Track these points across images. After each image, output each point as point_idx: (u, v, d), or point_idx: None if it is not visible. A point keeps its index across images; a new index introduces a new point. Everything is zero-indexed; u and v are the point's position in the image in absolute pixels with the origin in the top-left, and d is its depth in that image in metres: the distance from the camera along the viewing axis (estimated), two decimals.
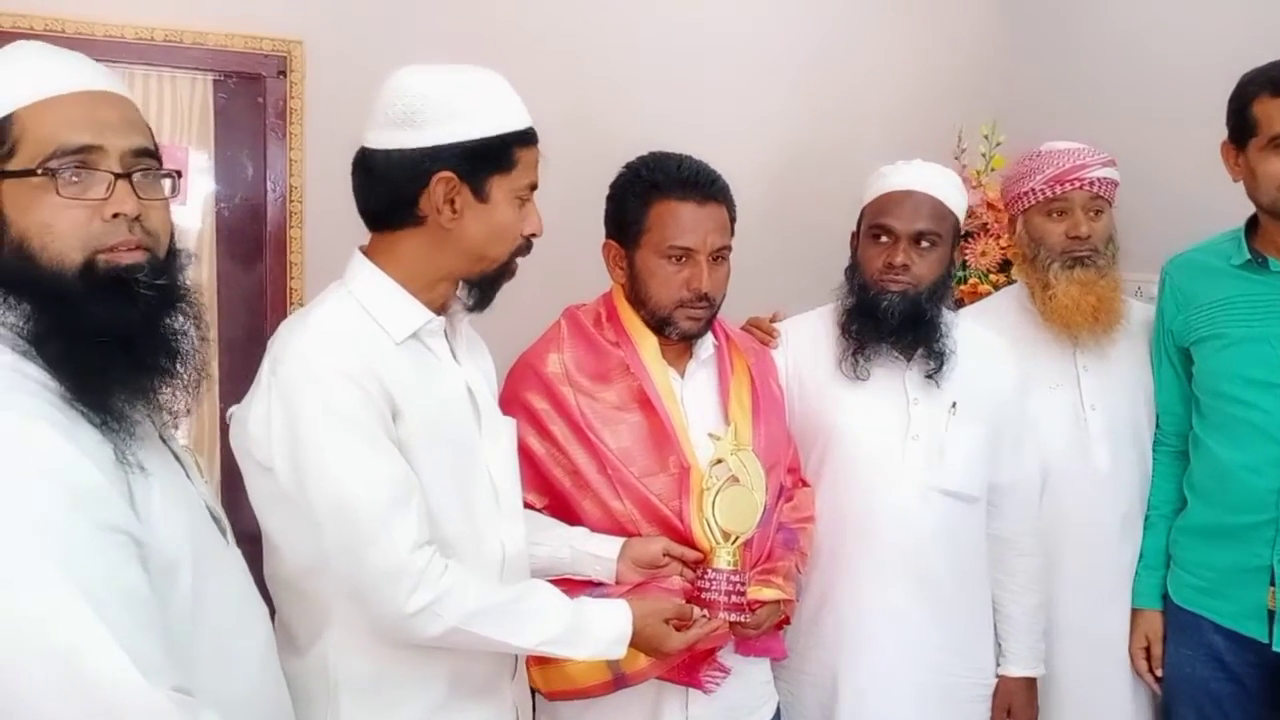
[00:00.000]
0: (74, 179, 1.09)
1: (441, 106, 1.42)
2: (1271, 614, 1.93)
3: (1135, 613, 2.17)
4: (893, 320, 1.93)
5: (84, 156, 1.10)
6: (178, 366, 1.16)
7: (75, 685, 0.98)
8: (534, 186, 1.50)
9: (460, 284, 1.53)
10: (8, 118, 1.09)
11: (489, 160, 1.44)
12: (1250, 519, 1.94)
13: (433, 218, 1.44)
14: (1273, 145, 1.90)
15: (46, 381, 1.07)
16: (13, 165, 1.09)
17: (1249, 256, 1.99)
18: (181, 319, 1.17)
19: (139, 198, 1.13)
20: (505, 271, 1.53)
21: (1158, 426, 2.20)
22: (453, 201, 1.44)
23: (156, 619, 1.05)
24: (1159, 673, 2.15)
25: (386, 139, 1.44)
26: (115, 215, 1.10)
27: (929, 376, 1.96)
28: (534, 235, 1.52)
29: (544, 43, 2.77)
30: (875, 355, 1.97)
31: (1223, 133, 2.02)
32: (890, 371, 1.98)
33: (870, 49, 3.16)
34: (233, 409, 1.47)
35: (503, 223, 1.47)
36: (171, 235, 1.20)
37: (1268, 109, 1.90)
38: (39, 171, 1.08)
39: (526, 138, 1.47)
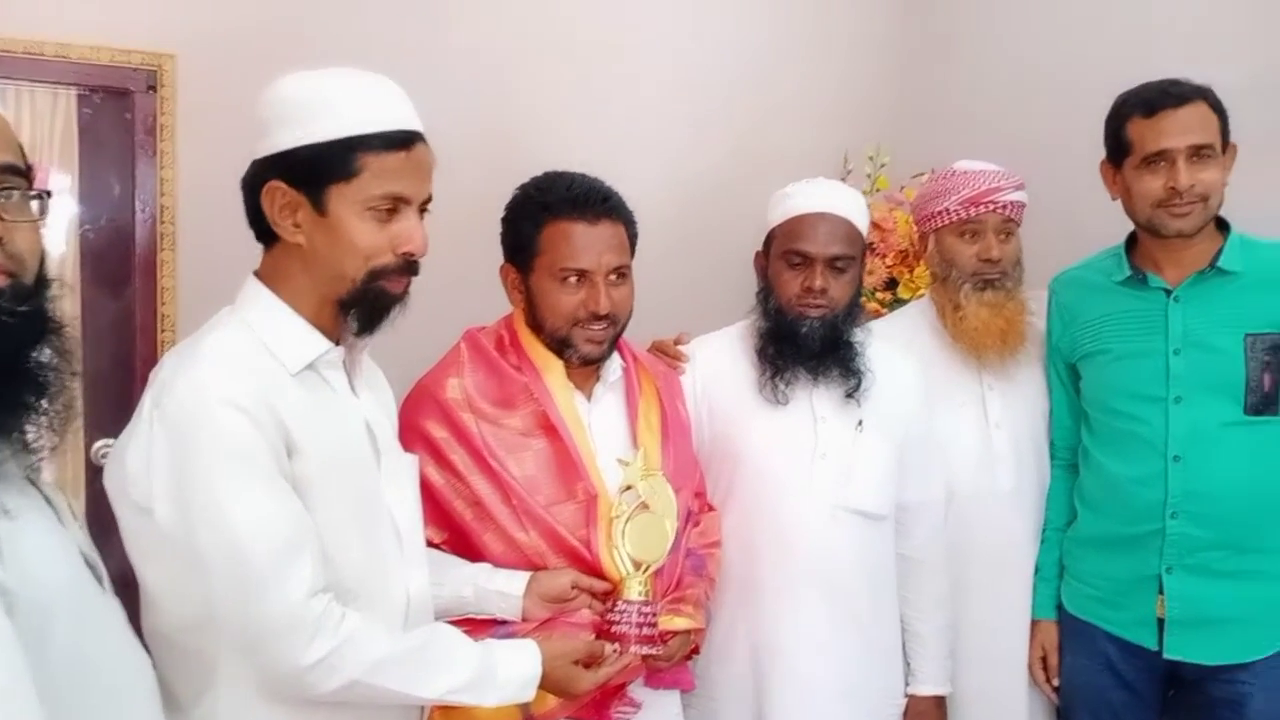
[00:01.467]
0: None
1: (280, 112, 1.34)
2: (1161, 622, 1.98)
3: (1032, 624, 2.21)
4: (814, 345, 1.93)
5: None
6: (43, 403, 1.07)
7: None
8: (397, 198, 1.36)
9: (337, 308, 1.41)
10: None
11: (323, 169, 1.33)
12: (1138, 530, 2.00)
13: (282, 233, 1.36)
14: (1145, 164, 1.97)
15: None
16: None
17: (1130, 273, 2.06)
18: (49, 352, 1.08)
19: (2, 219, 1.04)
20: (373, 294, 1.38)
21: (1051, 442, 2.25)
22: (296, 215, 1.35)
23: (25, 671, 0.96)
24: (1056, 682, 2.19)
25: (252, 149, 1.37)
26: None
27: (849, 395, 1.96)
28: (409, 254, 1.38)
29: (443, 62, 2.71)
30: (794, 379, 1.96)
31: (1100, 152, 2.09)
32: (799, 392, 1.98)
33: (762, 74, 3.21)
34: (100, 445, 1.35)
35: (349, 238, 1.34)
36: (41, 261, 1.11)
37: (1140, 130, 1.97)
38: None
39: (374, 143, 1.33)
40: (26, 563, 1.01)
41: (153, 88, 2.46)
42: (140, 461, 1.27)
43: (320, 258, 1.37)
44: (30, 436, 1.07)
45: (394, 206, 1.37)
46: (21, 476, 1.10)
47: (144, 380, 1.36)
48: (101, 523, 1.34)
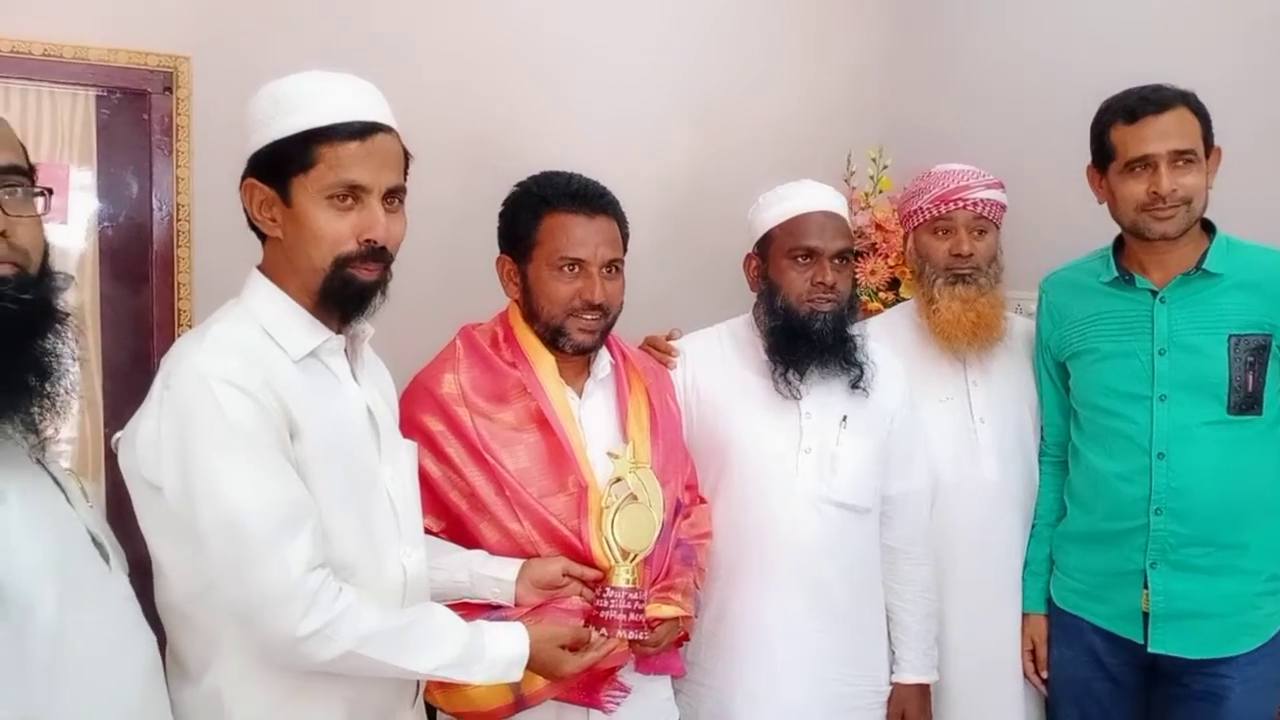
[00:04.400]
0: None
1: (254, 115, 1.43)
2: (1145, 616, 2.02)
3: (1023, 617, 2.24)
4: (827, 339, 1.98)
5: None
6: (46, 387, 1.13)
7: None
8: (353, 186, 1.40)
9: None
10: None
11: (285, 162, 1.40)
12: (1124, 525, 2.03)
13: (263, 228, 1.45)
14: (1128, 169, 2.00)
15: None
16: None
17: (1117, 274, 2.09)
18: (53, 339, 1.14)
19: (6, 214, 1.10)
20: (342, 281, 1.42)
21: (1042, 438, 2.29)
22: (271, 210, 1.43)
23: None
24: (1044, 674, 2.23)
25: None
26: None
27: (854, 386, 2.01)
28: (371, 240, 1.42)
29: (439, 64, 2.76)
30: (805, 373, 2.00)
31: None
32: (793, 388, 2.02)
33: (763, 74, 3.22)
34: (119, 435, 1.42)
35: (313, 226, 1.40)
36: (45, 254, 1.17)
37: (1123, 135, 2.00)
38: None
39: (329, 134, 1.38)
40: (12, 546, 1.07)
41: (169, 89, 2.51)
42: (149, 440, 1.34)
43: (294, 250, 1.43)
44: (35, 419, 1.13)
45: (353, 194, 1.41)
46: (28, 458, 1.16)
47: None
48: (122, 508, 1.42)
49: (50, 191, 1.20)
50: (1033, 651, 2.24)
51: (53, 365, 1.13)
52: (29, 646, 1.06)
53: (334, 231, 1.41)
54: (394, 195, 1.46)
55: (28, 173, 1.16)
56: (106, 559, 1.24)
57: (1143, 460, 2.00)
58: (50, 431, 1.16)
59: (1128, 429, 2.03)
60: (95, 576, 1.20)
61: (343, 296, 1.44)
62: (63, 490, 1.21)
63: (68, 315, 1.17)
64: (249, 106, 1.45)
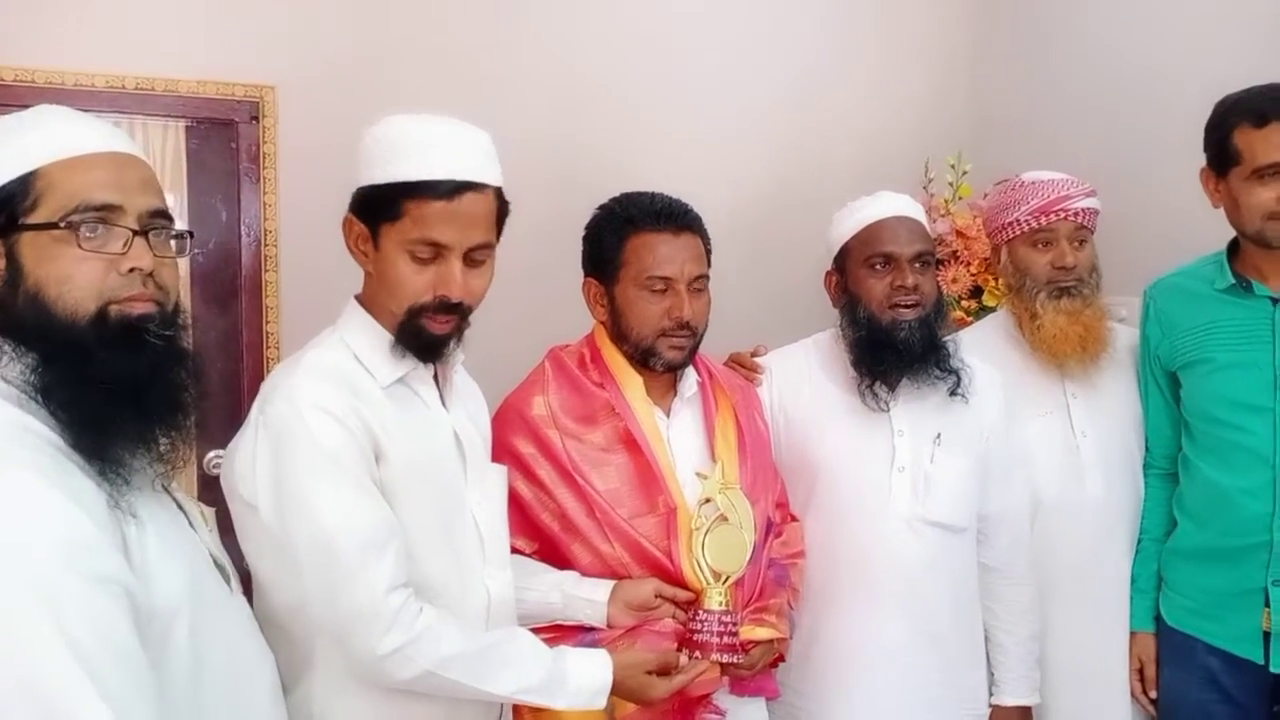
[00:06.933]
0: (92, 234, 1.13)
1: (365, 152, 1.46)
2: (1267, 635, 1.92)
3: (1130, 635, 2.16)
4: (916, 347, 1.93)
5: (104, 214, 1.14)
6: (179, 418, 1.19)
7: None
8: (434, 244, 1.43)
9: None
10: (33, 173, 1.14)
11: (376, 208, 1.45)
12: (1244, 541, 1.94)
13: (358, 261, 1.50)
14: (1256, 176, 1.90)
15: (47, 434, 1.09)
16: (35, 219, 1.13)
17: (1233, 281, 2.00)
18: (183, 374, 1.20)
19: (155, 255, 1.18)
20: (414, 330, 1.46)
21: (1147, 450, 2.20)
22: (365, 246, 1.47)
23: (145, 673, 1.06)
24: (1153, 695, 2.14)
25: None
26: (131, 270, 1.15)
27: (953, 393, 1.96)
28: (444, 297, 1.45)
29: (521, 91, 2.79)
30: (895, 384, 1.96)
31: (1194, 157, 2.03)
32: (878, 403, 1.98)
33: (839, 85, 3.19)
34: (212, 455, 1.47)
35: (393, 274, 1.45)
36: (177, 293, 1.24)
37: (1250, 140, 1.91)
38: (61, 225, 1.12)
39: (417, 190, 1.42)
40: (152, 566, 1.11)
41: (255, 118, 2.58)
42: (247, 462, 1.40)
43: (379, 288, 1.48)
44: (164, 448, 1.18)
45: (434, 251, 1.45)
46: (155, 485, 1.21)
47: (251, 394, 1.50)
48: (222, 527, 1.46)
49: (191, 235, 1.30)
50: (1140, 671, 2.15)
51: (183, 399, 1.19)
52: (171, 669, 1.10)
53: (412, 284, 1.45)
54: (478, 250, 1.48)
55: (169, 216, 1.23)
56: (228, 580, 1.28)
57: (1265, 474, 1.91)
58: (180, 461, 1.21)
59: (1248, 441, 1.94)
60: (220, 598, 1.24)
61: (415, 345, 1.49)
62: (185, 514, 1.26)
63: (195, 354, 1.24)
64: (363, 140, 1.48)
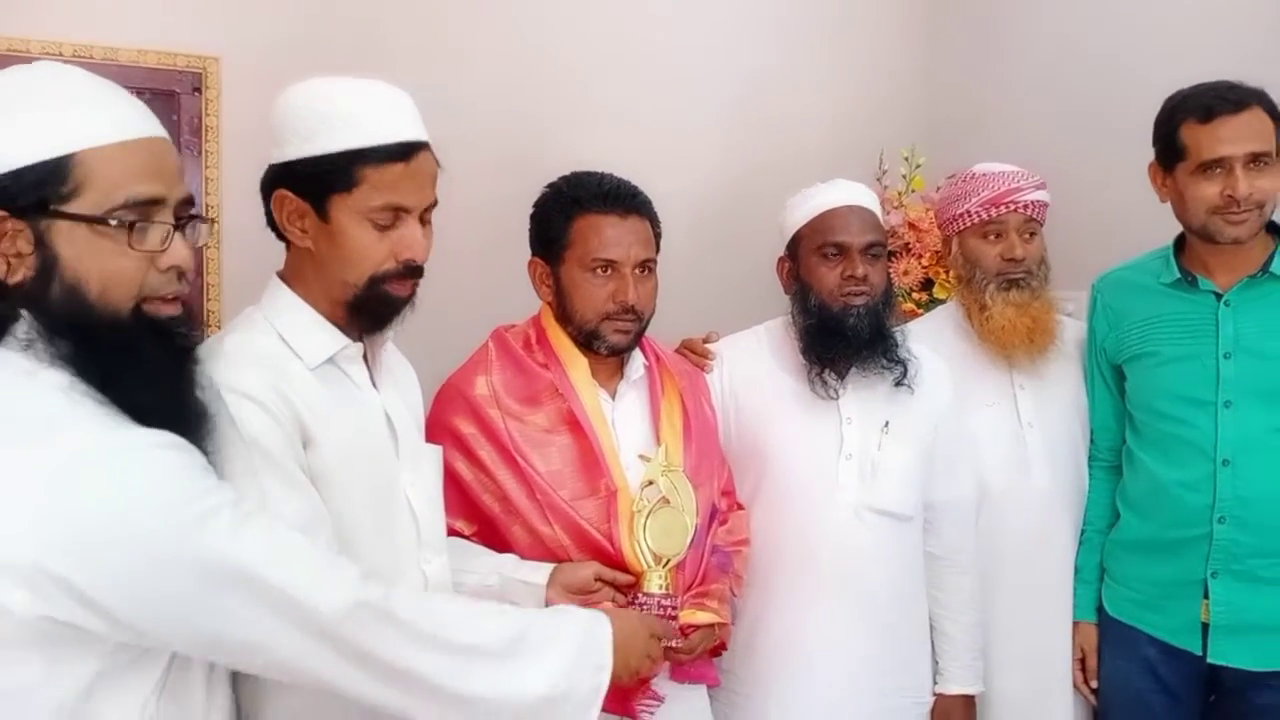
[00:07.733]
0: (141, 233, 1.11)
1: (288, 123, 1.39)
2: (1205, 627, 1.94)
3: (1073, 625, 2.17)
4: (863, 334, 1.93)
5: (149, 209, 1.11)
6: (207, 417, 1.20)
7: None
8: (397, 208, 1.39)
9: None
10: (70, 157, 1.08)
11: (325, 181, 1.37)
12: (1185, 534, 1.96)
13: (291, 238, 1.43)
14: (1201, 171, 1.92)
15: (103, 401, 1.08)
16: (78, 208, 1.08)
17: (1179, 275, 2.02)
18: (196, 369, 1.21)
19: (191, 248, 1.17)
20: (377, 298, 1.42)
21: (1092, 442, 2.21)
22: (303, 222, 1.40)
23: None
24: (1094, 684, 2.16)
25: (267, 155, 1.44)
26: (170, 267, 1.13)
27: (899, 383, 1.96)
28: (410, 260, 1.42)
29: (473, 67, 2.74)
30: (842, 373, 1.96)
31: (1143, 152, 2.05)
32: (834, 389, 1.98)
33: (795, 76, 3.18)
34: None
35: (351, 245, 1.39)
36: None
37: (1196, 135, 1.92)
38: (111, 222, 1.09)
39: (374, 156, 1.37)
40: None
41: (198, 90, 2.50)
42: None
43: (326, 263, 1.41)
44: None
45: (395, 216, 1.40)
46: None
47: None
48: None
49: (214, 221, 1.24)
50: (1082, 660, 2.17)
51: (202, 396, 1.20)
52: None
53: (374, 252, 1.40)
54: (429, 210, 1.45)
55: (194, 202, 1.21)
56: None
57: (1206, 467, 1.93)
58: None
59: (1190, 435, 1.96)
60: None
61: (377, 313, 1.44)
62: None
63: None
64: (279, 110, 1.41)
